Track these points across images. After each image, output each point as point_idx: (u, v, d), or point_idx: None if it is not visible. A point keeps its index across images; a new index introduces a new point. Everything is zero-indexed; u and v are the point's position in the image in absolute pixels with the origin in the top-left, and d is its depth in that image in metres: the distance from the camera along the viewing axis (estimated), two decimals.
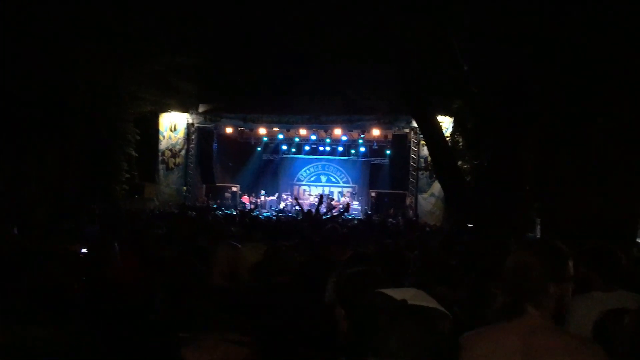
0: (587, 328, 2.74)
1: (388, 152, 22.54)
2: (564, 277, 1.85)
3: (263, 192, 23.91)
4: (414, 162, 19.51)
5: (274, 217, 15.91)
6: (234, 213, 17.77)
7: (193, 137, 21.74)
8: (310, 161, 25.48)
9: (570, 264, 1.88)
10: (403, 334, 1.23)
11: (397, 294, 1.31)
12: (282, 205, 22.74)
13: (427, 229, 13.89)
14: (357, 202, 23.01)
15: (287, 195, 24.01)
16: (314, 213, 11.89)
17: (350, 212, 21.11)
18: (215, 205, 19.79)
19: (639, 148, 5.86)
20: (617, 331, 2.39)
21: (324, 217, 13.73)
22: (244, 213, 13.28)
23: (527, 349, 1.77)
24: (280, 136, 22.58)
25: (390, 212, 20.14)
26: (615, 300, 2.87)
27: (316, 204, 14.43)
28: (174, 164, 21.59)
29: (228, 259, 3.20)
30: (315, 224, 9.45)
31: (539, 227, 10.88)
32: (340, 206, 21.65)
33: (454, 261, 5.06)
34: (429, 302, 1.34)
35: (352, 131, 21.21)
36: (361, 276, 2.20)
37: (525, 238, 9.78)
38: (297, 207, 18.17)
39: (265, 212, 20.87)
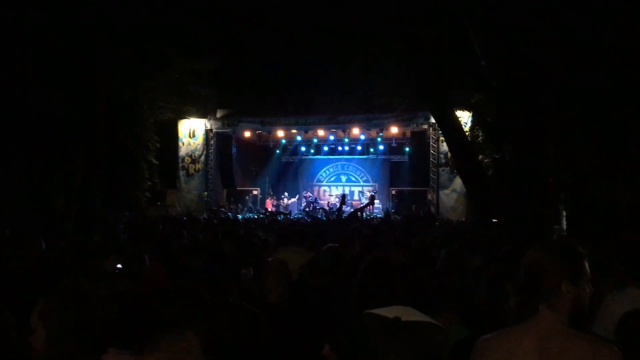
0: None
1: (407, 149, 22.40)
2: (579, 278, 1.81)
3: (286, 194, 23.98)
4: (433, 159, 19.38)
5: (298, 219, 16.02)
6: (253, 217, 17.94)
7: (212, 142, 21.91)
8: (329, 161, 25.47)
9: (586, 264, 1.84)
10: (402, 350, 1.23)
11: (387, 312, 1.31)
12: (304, 205, 22.82)
13: (449, 224, 13.77)
14: (377, 201, 22.93)
15: (306, 195, 24.02)
16: (336, 215, 11.90)
17: (372, 208, 21.09)
18: (223, 210, 19.87)
19: None
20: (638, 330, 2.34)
21: (344, 214, 13.78)
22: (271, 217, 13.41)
23: (542, 352, 1.76)
24: (299, 138, 22.61)
25: (412, 209, 20.02)
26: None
27: (337, 204, 14.45)
28: (194, 169, 21.78)
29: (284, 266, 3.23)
30: (340, 226, 9.45)
31: (564, 218, 10.72)
32: (362, 203, 21.61)
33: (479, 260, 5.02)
34: (421, 317, 1.34)
35: (370, 130, 21.12)
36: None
37: (551, 231, 9.64)
38: (320, 208, 18.19)
39: (296, 213, 20.97)
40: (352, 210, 16.58)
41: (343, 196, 16.15)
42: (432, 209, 19.22)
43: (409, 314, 1.32)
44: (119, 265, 3.52)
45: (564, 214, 9.92)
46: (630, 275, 2.98)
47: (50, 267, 3.54)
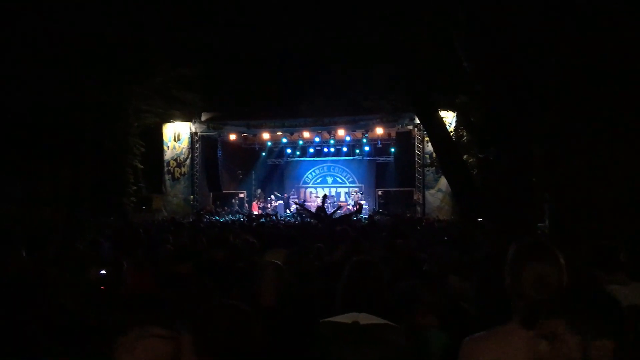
0: None
1: (393, 150, 22.49)
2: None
3: (273, 197, 23.94)
4: (419, 159, 19.49)
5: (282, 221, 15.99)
6: (239, 219, 17.86)
7: (197, 145, 21.81)
8: (315, 163, 25.49)
9: None
10: (362, 354, 1.24)
11: (345, 319, 1.32)
12: (292, 208, 22.78)
13: (436, 224, 13.86)
14: (364, 202, 22.99)
15: (284, 197, 23.97)
16: (323, 216, 11.90)
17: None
18: (204, 212, 19.74)
19: None
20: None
21: (333, 216, 13.82)
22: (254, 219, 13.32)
23: (533, 350, 1.75)
24: (284, 140, 22.59)
25: (399, 212, 20.07)
26: (634, 293, 2.90)
27: (321, 204, 14.42)
28: (180, 173, 21.66)
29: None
30: (327, 228, 9.44)
31: (547, 217, 10.82)
32: (349, 206, 21.63)
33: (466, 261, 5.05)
34: (379, 320, 1.34)
35: (355, 131, 21.19)
36: None
37: (535, 229, 9.73)
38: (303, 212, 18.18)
39: (283, 215, 20.89)
40: (341, 213, 16.62)
41: (324, 196, 16.23)
42: (419, 209, 19.33)
43: (366, 318, 1.33)
44: (103, 272, 3.49)
45: (547, 213, 10.02)
46: (607, 275, 3.09)
47: (32, 277, 3.49)
